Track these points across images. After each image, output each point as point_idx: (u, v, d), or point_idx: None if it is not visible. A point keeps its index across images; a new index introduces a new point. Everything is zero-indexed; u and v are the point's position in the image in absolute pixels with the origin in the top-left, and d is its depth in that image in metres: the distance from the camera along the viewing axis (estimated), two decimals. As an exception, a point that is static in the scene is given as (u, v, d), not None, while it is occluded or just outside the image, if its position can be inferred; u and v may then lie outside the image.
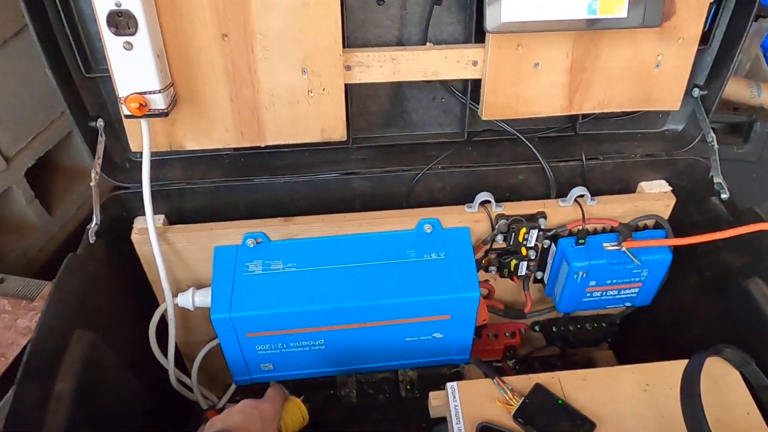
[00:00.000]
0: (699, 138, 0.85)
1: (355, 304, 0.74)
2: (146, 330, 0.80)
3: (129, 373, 0.78)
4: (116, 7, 0.61)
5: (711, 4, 0.76)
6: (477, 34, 0.77)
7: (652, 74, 0.78)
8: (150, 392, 0.82)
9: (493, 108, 0.78)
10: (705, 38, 0.81)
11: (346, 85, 0.75)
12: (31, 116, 1.09)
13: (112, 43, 0.62)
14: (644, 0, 0.68)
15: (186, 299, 0.78)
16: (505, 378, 0.70)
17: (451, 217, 0.81)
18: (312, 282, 0.75)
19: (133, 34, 0.62)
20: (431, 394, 0.72)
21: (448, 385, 0.70)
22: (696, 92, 0.84)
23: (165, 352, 0.82)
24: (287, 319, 0.74)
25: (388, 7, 0.76)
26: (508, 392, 0.68)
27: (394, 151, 0.86)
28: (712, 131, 0.82)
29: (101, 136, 0.76)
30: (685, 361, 0.68)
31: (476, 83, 0.79)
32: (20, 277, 0.89)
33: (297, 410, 0.77)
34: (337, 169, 0.84)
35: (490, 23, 0.68)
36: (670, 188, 0.86)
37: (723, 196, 0.82)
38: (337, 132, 0.78)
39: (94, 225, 0.75)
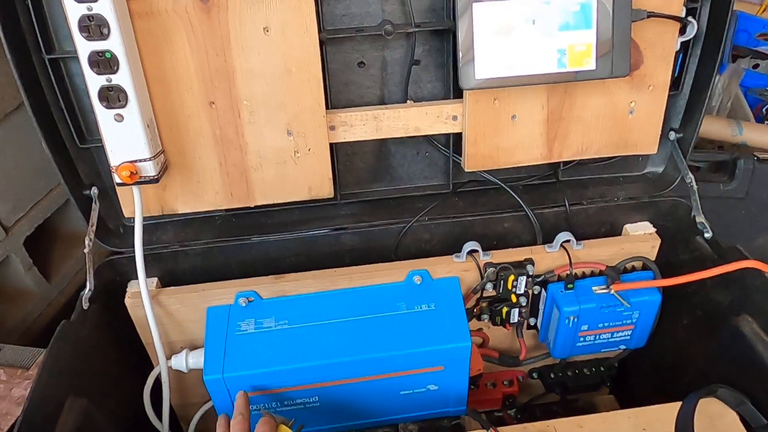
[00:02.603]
0: (680, 179, 0.87)
1: (348, 359, 0.74)
2: (141, 393, 0.79)
3: (123, 439, 0.77)
4: (107, 83, 0.64)
5: (677, 52, 0.79)
6: (455, 89, 0.80)
7: (627, 120, 0.81)
8: (145, 458, 0.81)
9: (474, 160, 0.81)
10: (676, 84, 0.84)
11: (331, 143, 0.78)
12: (30, 185, 1.12)
13: (103, 115, 0.65)
14: (611, 52, 0.72)
15: (180, 361, 0.78)
16: (501, 428, 0.70)
17: (440, 267, 0.82)
18: (304, 338, 0.75)
19: (123, 106, 0.65)
20: (427, 448, 0.71)
21: (443, 438, 0.69)
22: (672, 135, 0.86)
23: (160, 416, 0.81)
24: (280, 377, 0.74)
25: (369, 68, 0.80)
26: (504, 443, 0.67)
27: (382, 205, 0.88)
28: (690, 172, 0.84)
29: (95, 203, 0.78)
30: (680, 404, 0.67)
31: (458, 136, 0.81)
32: (16, 346, 0.89)
33: None
34: (326, 225, 0.86)
35: (464, 81, 0.71)
36: (654, 229, 0.88)
37: (706, 235, 0.83)
38: (324, 189, 0.80)
39: (87, 291, 0.77)
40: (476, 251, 0.82)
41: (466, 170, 0.82)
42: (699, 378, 0.81)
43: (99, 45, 0.62)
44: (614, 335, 0.85)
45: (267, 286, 0.80)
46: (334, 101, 0.79)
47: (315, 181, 0.79)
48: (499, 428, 0.69)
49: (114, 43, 0.62)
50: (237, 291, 0.79)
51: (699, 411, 0.66)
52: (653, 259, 0.86)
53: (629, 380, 1.00)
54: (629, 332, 0.85)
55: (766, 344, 0.70)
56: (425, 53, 0.79)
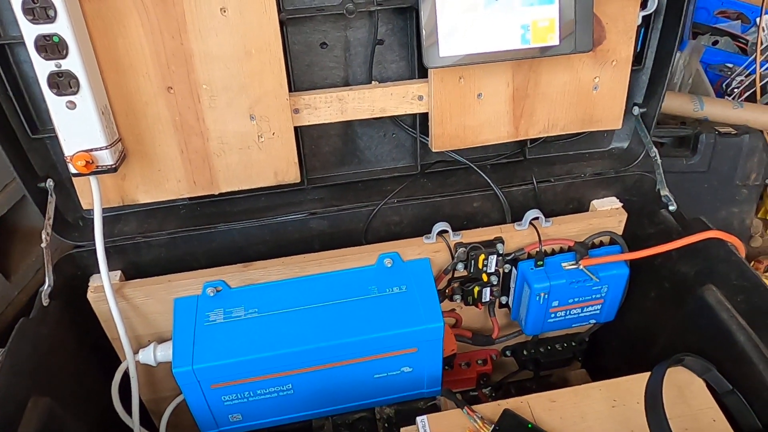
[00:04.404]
0: (644, 154, 0.88)
1: (320, 345, 0.73)
2: (109, 390, 0.77)
3: (92, 437, 0.75)
4: (56, 68, 0.61)
5: (639, 27, 0.80)
6: (420, 69, 0.79)
7: (591, 96, 0.81)
8: (116, 455, 0.80)
9: (441, 139, 0.80)
10: (638, 59, 0.85)
11: (296, 127, 0.76)
12: (-17, 181, 1.07)
13: (54, 103, 0.63)
14: (574, 27, 0.71)
15: (147, 355, 0.76)
16: (475, 406, 0.70)
17: (411, 249, 0.81)
18: (275, 326, 0.74)
19: (75, 93, 0.62)
20: (403, 430, 0.71)
21: (418, 419, 0.69)
22: (636, 110, 0.87)
23: (130, 412, 0.79)
24: (251, 366, 0.73)
25: (332, 49, 0.78)
26: (478, 421, 0.68)
27: (350, 189, 0.87)
28: (654, 146, 0.85)
29: (51, 196, 0.75)
30: (649, 374, 0.68)
31: (424, 117, 0.81)
32: (-25, 347, 0.86)
33: None
34: (294, 211, 0.84)
35: (429, 60, 0.70)
36: (621, 204, 0.89)
37: (671, 208, 0.84)
38: (291, 174, 0.79)
39: (46, 287, 0.74)
40: (446, 232, 0.82)
41: (433, 150, 0.81)
42: (667, 348, 0.82)
43: (45, 28, 0.59)
44: (584, 310, 0.86)
45: (235, 275, 0.78)
46: (297, 83, 0.78)
47: (280, 166, 0.77)
48: (474, 406, 0.69)
49: (61, 26, 0.59)
50: (204, 281, 0.77)
51: (667, 380, 0.67)
52: (620, 233, 0.87)
53: (600, 354, 1.01)
54: (599, 306, 0.86)
55: (730, 313, 0.72)
56: (389, 32, 0.78)
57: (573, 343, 0.98)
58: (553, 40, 0.72)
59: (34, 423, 0.64)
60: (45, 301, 0.74)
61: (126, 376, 0.78)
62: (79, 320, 0.78)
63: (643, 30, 0.83)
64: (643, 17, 0.79)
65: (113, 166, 0.67)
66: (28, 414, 0.64)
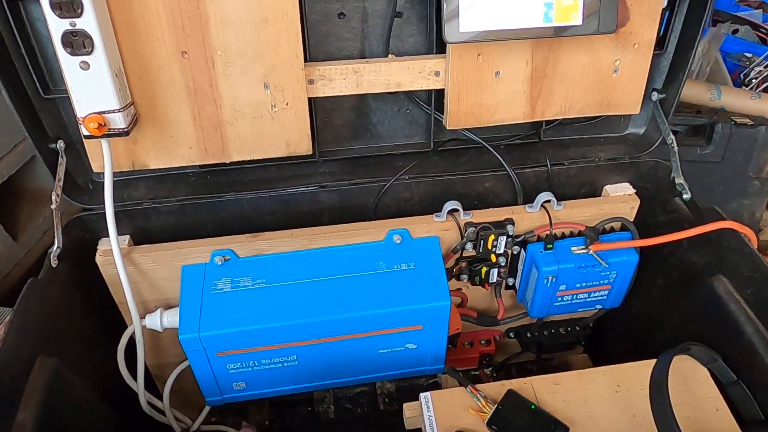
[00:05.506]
0: (660, 140, 0.87)
1: (326, 318, 0.73)
2: (115, 353, 0.78)
3: (97, 399, 0.76)
4: (71, 27, 0.60)
5: (664, 10, 0.78)
6: (438, 44, 0.77)
7: (611, 79, 0.80)
8: (120, 417, 0.80)
9: (456, 117, 0.79)
10: (661, 43, 0.83)
11: (309, 98, 0.75)
12: (-8, 140, 1.07)
13: (68, 63, 0.62)
14: (598, 7, 0.70)
15: (154, 320, 0.77)
16: (478, 385, 0.70)
17: (420, 226, 0.81)
18: (282, 297, 0.74)
19: (89, 53, 0.61)
20: (405, 405, 0.71)
21: (422, 395, 0.69)
22: (654, 96, 0.86)
23: (135, 376, 0.80)
24: (257, 336, 0.73)
25: (349, 20, 0.77)
26: (482, 400, 0.68)
27: (361, 163, 0.86)
28: (671, 133, 0.84)
29: (62, 157, 0.75)
30: (654, 361, 0.68)
31: (440, 93, 0.80)
32: (-18, 305, 0.87)
33: None
34: (304, 183, 0.84)
35: (449, 35, 0.69)
36: (634, 190, 0.88)
37: (685, 196, 0.83)
38: (303, 146, 0.78)
39: (55, 248, 0.74)
40: (457, 211, 0.81)
41: (447, 128, 0.80)
42: (672, 337, 0.82)
43: (61, -15, 0.58)
44: (591, 295, 0.86)
45: (243, 245, 0.78)
46: (312, 54, 0.76)
47: (293, 137, 0.77)
48: (477, 385, 0.69)
49: (77, -17, 0.58)
50: (212, 249, 0.77)
51: (672, 368, 0.67)
52: (632, 219, 0.86)
53: (603, 339, 1.02)
54: (606, 292, 0.86)
55: (739, 304, 0.71)
56: (407, 5, 0.77)
57: (577, 328, 0.98)
58: (576, 19, 0.70)
59: (41, 382, 0.64)
60: (54, 262, 0.74)
61: (132, 340, 0.78)
62: (86, 283, 0.78)
63: (667, 13, 0.81)
64: (668, 0, 0.78)
65: (125, 130, 0.66)
66: (35, 373, 0.64)
